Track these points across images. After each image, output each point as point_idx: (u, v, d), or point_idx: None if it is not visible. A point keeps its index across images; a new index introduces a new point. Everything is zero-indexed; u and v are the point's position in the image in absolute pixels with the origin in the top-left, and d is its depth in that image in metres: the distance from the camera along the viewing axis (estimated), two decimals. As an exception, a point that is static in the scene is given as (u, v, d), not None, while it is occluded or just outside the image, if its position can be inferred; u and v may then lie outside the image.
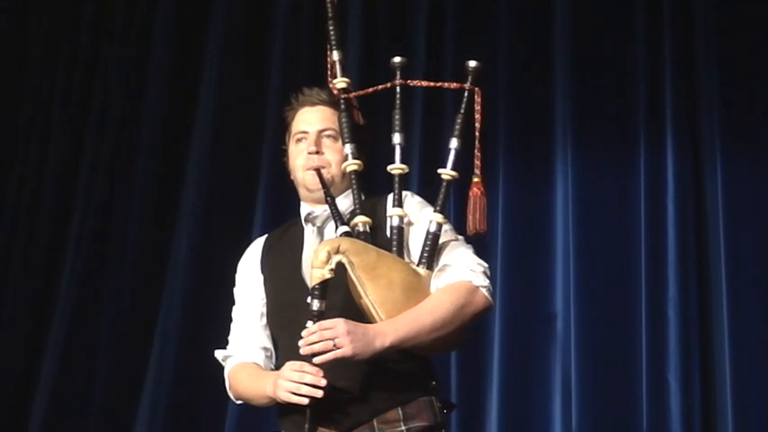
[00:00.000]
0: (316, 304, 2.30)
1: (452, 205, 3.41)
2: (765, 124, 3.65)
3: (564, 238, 3.70)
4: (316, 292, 2.30)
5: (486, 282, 2.41)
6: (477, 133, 2.53)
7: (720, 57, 3.70)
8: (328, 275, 2.29)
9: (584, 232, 3.69)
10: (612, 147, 3.78)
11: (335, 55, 2.67)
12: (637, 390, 3.54)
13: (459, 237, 2.51)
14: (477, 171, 2.54)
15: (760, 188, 3.62)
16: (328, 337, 2.26)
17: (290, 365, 2.32)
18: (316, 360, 2.28)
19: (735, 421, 3.45)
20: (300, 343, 2.29)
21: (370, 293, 2.32)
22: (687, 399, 3.50)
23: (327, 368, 2.28)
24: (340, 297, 2.34)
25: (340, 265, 2.31)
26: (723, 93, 3.67)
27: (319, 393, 2.27)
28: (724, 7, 3.73)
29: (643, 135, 3.71)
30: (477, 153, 2.54)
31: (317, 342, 2.27)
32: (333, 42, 2.68)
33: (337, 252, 2.31)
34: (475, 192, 2.54)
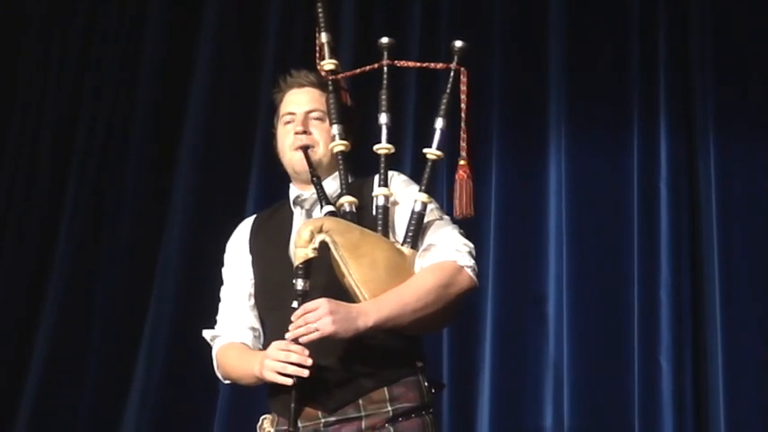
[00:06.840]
0: (300, 284, 2.31)
1: (444, 186, 3.42)
2: (759, 106, 3.62)
3: (557, 219, 3.69)
4: (299, 272, 2.31)
5: (472, 262, 2.40)
6: (462, 114, 2.52)
7: (714, 38, 3.67)
8: (311, 254, 2.30)
9: (577, 213, 3.67)
10: (606, 128, 3.75)
11: (324, 37, 2.68)
12: (628, 372, 3.52)
13: (446, 216, 2.50)
14: (462, 153, 2.53)
15: (754, 170, 3.59)
16: (311, 319, 2.27)
17: (276, 345, 2.33)
18: (301, 339, 2.29)
19: (726, 404, 3.43)
20: (289, 328, 2.29)
21: (353, 272, 2.32)
22: (679, 381, 3.48)
23: (313, 348, 2.29)
24: (323, 276, 2.35)
25: (323, 245, 2.31)
26: (717, 74, 3.64)
27: (305, 373, 2.28)
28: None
29: (636, 117, 3.68)
30: (462, 134, 2.53)
31: (301, 326, 2.28)
32: (321, 24, 2.68)
33: (320, 231, 2.32)
34: (461, 175, 2.53)
